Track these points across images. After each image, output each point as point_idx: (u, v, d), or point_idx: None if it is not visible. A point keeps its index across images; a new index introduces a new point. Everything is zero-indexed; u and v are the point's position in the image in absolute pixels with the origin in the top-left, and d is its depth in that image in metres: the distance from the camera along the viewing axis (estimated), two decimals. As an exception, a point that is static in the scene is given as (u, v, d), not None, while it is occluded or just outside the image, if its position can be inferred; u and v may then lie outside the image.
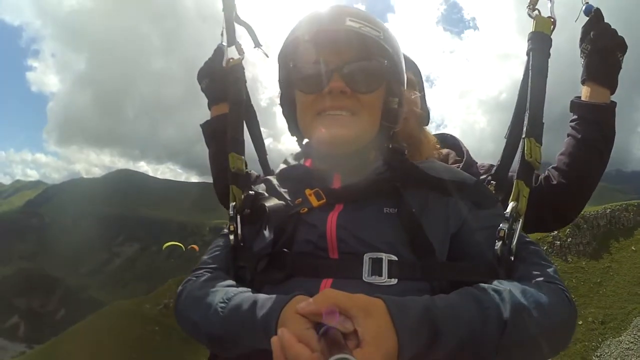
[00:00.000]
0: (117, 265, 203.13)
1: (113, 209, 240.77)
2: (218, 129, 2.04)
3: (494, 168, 1.67)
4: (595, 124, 1.64)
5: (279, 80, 1.56)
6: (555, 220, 1.87)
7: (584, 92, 1.67)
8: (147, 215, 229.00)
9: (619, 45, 1.63)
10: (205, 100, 2.20)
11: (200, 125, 2.20)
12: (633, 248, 19.89)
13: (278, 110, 1.60)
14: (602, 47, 1.63)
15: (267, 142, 2.11)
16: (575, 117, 1.70)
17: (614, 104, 1.64)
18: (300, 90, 1.43)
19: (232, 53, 1.94)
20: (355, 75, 1.35)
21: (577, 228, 19.12)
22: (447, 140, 2.22)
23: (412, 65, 2.10)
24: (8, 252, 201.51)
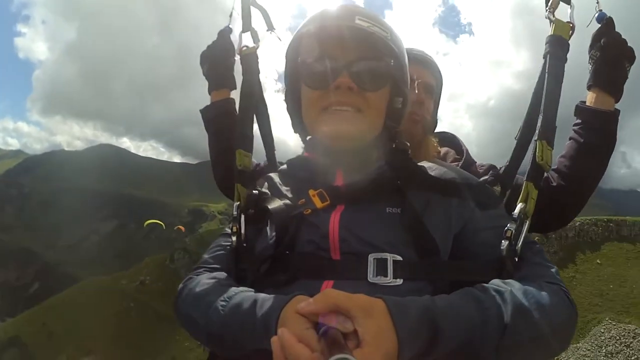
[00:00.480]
0: (95, 241, 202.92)
1: (93, 183, 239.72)
2: (218, 114, 2.02)
3: (502, 168, 1.68)
4: (597, 130, 1.65)
5: (285, 76, 1.58)
6: (554, 221, 1.88)
7: (589, 98, 1.67)
8: (127, 192, 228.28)
9: (628, 56, 1.64)
10: (197, 84, 2.15)
11: (200, 110, 2.10)
12: (598, 261, 21.12)
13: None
14: (611, 55, 1.63)
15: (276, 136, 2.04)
16: (579, 121, 1.70)
17: (617, 111, 1.64)
18: (307, 85, 1.45)
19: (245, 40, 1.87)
20: (363, 73, 1.37)
21: (545, 237, 20.43)
22: (447, 139, 2.26)
23: (437, 73, 2.17)
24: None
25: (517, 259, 1.27)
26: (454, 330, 1.01)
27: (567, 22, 1.51)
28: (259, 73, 1.83)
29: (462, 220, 1.34)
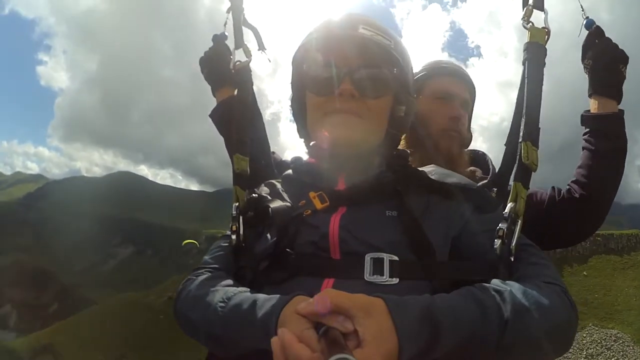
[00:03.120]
0: (112, 266, 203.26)
1: (111, 209, 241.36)
2: (225, 112, 2.06)
3: (494, 174, 1.70)
4: (604, 134, 1.67)
5: (292, 82, 1.61)
6: (579, 232, 1.88)
7: (592, 106, 1.71)
8: (144, 219, 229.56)
9: (621, 59, 1.66)
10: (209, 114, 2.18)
11: (209, 115, 2.15)
12: (585, 273, 21.96)
13: (282, 126, 2.86)
14: (604, 62, 1.66)
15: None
16: (587, 130, 1.72)
17: (621, 112, 1.67)
18: (311, 92, 1.49)
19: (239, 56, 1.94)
20: (365, 81, 1.39)
21: None
22: (477, 157, 2.27)
23: (471, 87, 2.24)
24: (5, 243, 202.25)
25: (512, 259, 1.29)
26: (454, 330, 1.00)
27: (542, 27, 1.55)
28: (252, 84, 1.90)
29: (461, 223, 1.38)
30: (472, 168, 2.19)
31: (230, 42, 2.05)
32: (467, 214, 1.40)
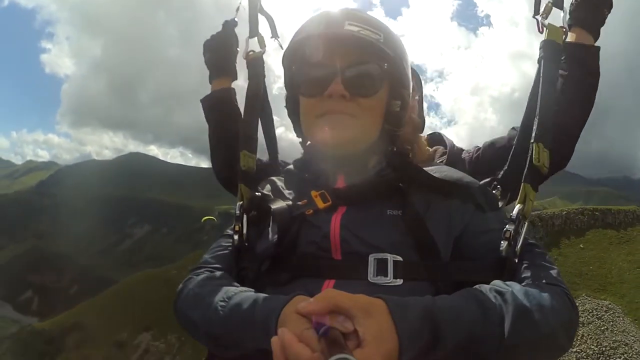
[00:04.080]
0: (128, 246, 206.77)
1: (124, 191, 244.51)
2: (218, 102, 2.07)
3: (501, 173, 1.63)
4: (582, 62, 1.67)
5: (284, 83, 1.59)
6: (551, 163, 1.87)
7: (570, 37, 1.69)
8: (157, 198, 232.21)
9: (607, 2, 1.68)
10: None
11: (200, 100, 2.14)
12: (581, 246, 21.52)
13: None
14: (591, 0, 1.67)
15: (279, 131, 2.05)
16: (563, 57, 1.70)
17: (599, 47, 1.68)
18: (302, 94, 1.47)
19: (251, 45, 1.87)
20: (355, 79, 1.36)
21: (532, 225, 21.17)
22: (435, 138, 2.31)
23: (414, 72, 2.12)
24: (22, 230, 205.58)
25: (517, 260, 1.28)
26: (455, 330, 1.00)
27: (560, 26, 1.55)
28: (264, 77, 1.84)
29: (463, 222, 1.35)
30: (433, 148, 2.22)
31: (240, 29, 2.02)
32: (469, 213, 1.37)
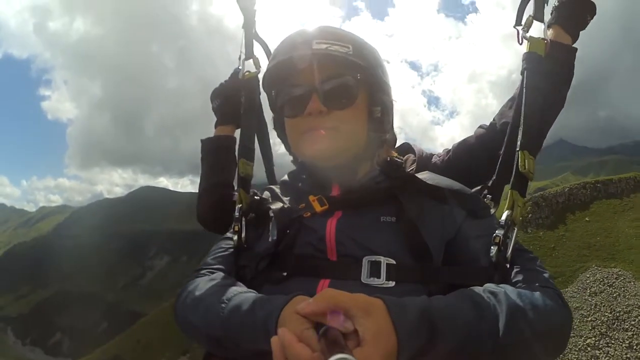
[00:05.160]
0: (151, 278, 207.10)
1: (141, 225, 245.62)
2: (219, 148, 2.13)
3: (490, 182, 1.65)
4: (557, 60, 1.64)
5: (269, 106, 1.64)
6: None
7: (550, 34, 1.67)
8: (173, 228, 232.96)
9: (591, 8, 1.68)
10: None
11: (201, 140, 2.18)
12: (587, 219, 22.02)
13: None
14: (575, 2, 1.67)
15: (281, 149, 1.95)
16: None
17: (576, 48, 1.67)
18: (285, 115, 1.51)
19: (248, 67, 1.99)
20: (330, 93, 1.39)
21: (537, 206, 22.09)
22: (404, 148, 2.21)
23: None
24: (45, 275, 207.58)
25: (508, 265, 1.29)
26: (452, 330, 1.01)
27: (542, 38, 1.59)
28: (259, 94, 1.92)
29: (455, 228, 1.38)
30: (405, 156, 2.01)
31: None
32: (461, 219, 1.40)
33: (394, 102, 1.59)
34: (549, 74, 1.61)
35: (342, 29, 1.49)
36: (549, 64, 1.62)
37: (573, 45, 1.70)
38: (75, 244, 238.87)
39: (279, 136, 1.68)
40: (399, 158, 1.67)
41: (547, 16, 1.67)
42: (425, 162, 2.06)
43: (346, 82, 1.42)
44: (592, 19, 1.71)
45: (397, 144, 2.01)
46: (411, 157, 2.02)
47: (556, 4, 1.72)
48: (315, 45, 1.38)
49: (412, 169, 1.64)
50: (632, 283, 19.78)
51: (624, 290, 19.09)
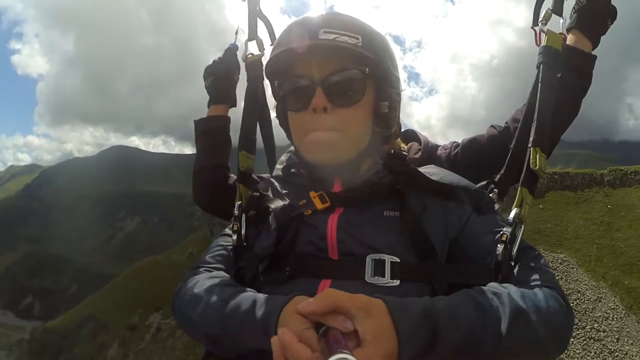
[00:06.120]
0: (121, 239, 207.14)
1: (111, 185, 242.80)
2: (213, 128, 2.05)
3: (498, 177, 1.61)
4: (576, 68, 1.62)
5: (272, 94, 1.58)
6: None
7: (569, 39, 1.63)
8: (144, 189, 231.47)
9: (611, 12, 1.64)
10: (198, 77, 2.11)
11: (194, 120, 2.10)
12: (541, 206, 22.92)
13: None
14: (598, 5, 1.62)
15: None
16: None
17: (595, 56, 1.64)
18: (288, 109, 1.45)
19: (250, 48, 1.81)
20: (336, 89, 1.33)
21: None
22: (408, 135, 2.19)
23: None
24: (13, 237, 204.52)
25: (513, 263, 1.27)
26: (453, 331, 1.00)
27: (560, 33, 1.54)
28: (263, 79, 1.78)
29: (459, 225, 1.35)
30: (409, 144, 2.09)
31: (240, 34, 1.97)
32: (466, 215, 1.38)
33: (402, 93, 1.55)
34: (566, 82, 1.60)
35: (351, 16, 1.42)
36: (567, 70, 1.61)
37: (593, 53, 1.68)
38: (44, 205, 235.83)
39: (281, 125, 1.61)
40: (402, 149, 1.68)
41: (566, 10, 1.63)
42: (431, 152, 2.01)
43: (353, 76, 1.36)
44: (612, 23, 1.69)
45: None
46: (415, 145, 2.07)
47: (577, 6, 1.69)
48: (322, 35, 1.31)
49: (417, 157, 1.72)
50: (575, 269, 21.48)
51: (566, 275, 20.78)
